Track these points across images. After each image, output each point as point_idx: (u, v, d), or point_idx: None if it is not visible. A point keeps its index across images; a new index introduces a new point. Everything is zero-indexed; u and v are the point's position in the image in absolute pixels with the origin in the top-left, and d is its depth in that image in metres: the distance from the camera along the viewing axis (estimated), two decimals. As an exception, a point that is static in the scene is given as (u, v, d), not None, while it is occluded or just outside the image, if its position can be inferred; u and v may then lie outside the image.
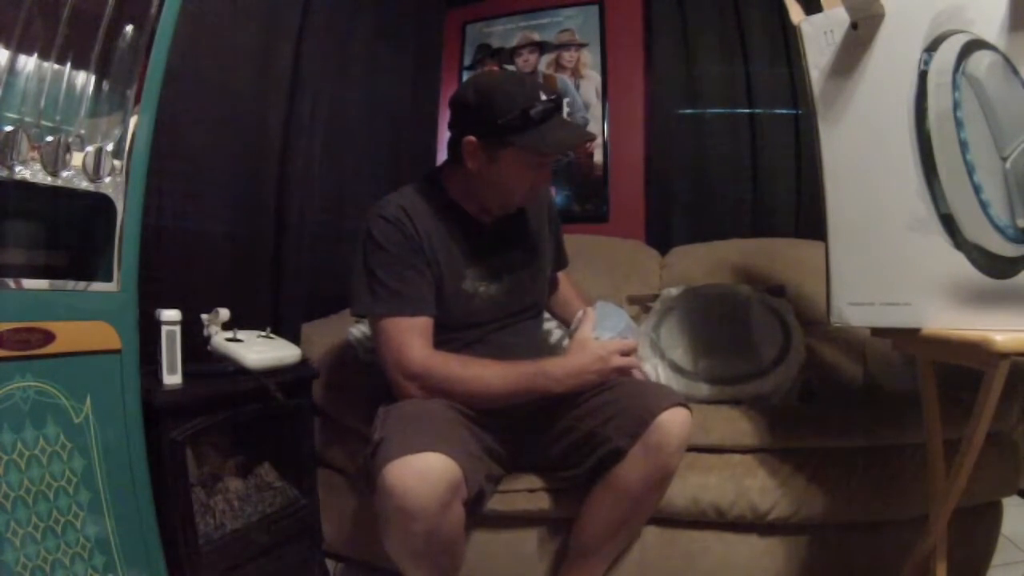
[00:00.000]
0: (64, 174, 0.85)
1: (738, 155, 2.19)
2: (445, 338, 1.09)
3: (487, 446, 1.07)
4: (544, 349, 1.30)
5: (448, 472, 0.87)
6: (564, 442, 1.09)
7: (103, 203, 0.91)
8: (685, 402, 1.05)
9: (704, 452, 1.20)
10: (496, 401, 1.04)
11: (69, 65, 0.88)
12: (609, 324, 1.10)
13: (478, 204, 1.14)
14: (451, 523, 0.91)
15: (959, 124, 0.86)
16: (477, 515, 1.03)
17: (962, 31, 0.86)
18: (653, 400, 1.02)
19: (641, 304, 1.69)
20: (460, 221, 1.13)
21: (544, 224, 1.26)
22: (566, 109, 1.07)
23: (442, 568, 0.97)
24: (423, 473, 0.85)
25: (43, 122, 0.85)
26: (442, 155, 2.58)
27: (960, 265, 0.87)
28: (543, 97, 1.03)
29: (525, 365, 1.04)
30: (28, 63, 0.84)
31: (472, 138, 1.05)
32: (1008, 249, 0.85)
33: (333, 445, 1.40)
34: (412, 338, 1.03)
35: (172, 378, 1.07)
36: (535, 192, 1.14)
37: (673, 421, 1.00)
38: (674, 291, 1.59)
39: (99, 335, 0.90)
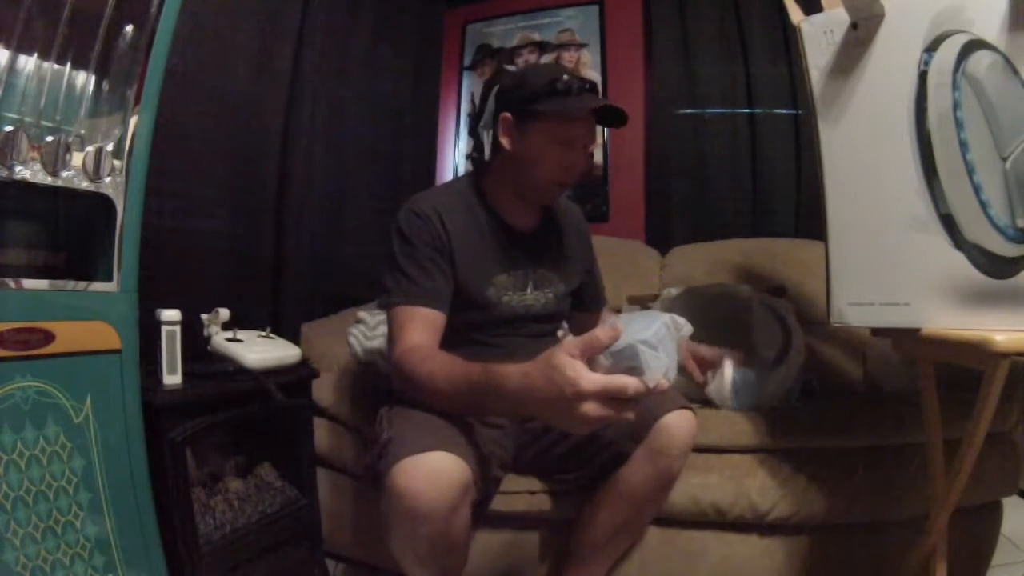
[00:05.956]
0: (64, 174, 0.85)
1: (738, 155, 2.19)
2: (455, 339, 1.07)
3: (490, 447, 1.06)
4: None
5: (459, 473, 0.84)
6: (565, 445, 1.09)
7: (103, 203, 0.91)
8: (689, 404, 1.03)
9: (704, 452, 1.20)
10: (446, 404, 0.91)
11: (69, 65, 0.87)
12: (630, 330, 0.71)
13: (514, 202, 1.12)
14: (458, 526, 0.88)
15: (959, 124, 0.86)
16: (480, 517, 1.03)
17: (962, 31, 0.86)
18: (657, 402, 0.98)
19: (641, 304, 1.69)
20: (493, 227, 1.11)
21: (580, 252, 1.24)
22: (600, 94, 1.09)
23: (446, 570, 0.96)
24: (434, 474, 0.82)
25: (43, 122, 0.85)
26: (442, 155, 2.61)
27: (960, 265, 0.87)
28: (570, 77, 1.04)
29: (478, 370, 0.84)
30: (28, 63, 0.84)
31: (507, 115, 1.06)
32: (1008, 249, 0.85)
33: (334, 445, 1.40)
34: (412, 328, 0.99)
35: (172, 378, 1.07)
36: (570, 175, 1.08)
37: (677, 424, 0.98)
38: (674, 291, 1.58)
39: (99, 335, 0.90)
